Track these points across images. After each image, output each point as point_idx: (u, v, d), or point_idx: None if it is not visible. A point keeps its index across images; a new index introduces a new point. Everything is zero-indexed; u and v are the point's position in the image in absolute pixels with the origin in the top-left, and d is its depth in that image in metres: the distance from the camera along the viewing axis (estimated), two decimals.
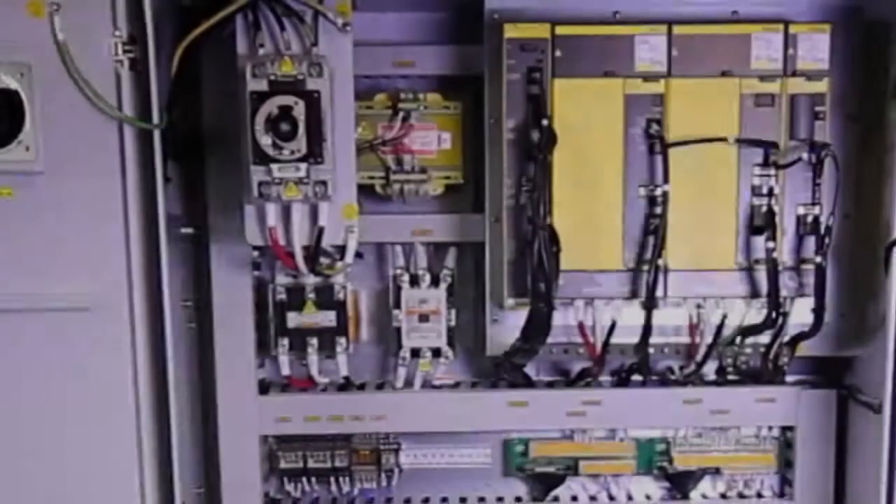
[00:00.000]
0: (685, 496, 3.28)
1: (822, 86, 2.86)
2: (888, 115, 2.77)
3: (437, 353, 3.11)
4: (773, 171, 2.90)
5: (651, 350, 3.05)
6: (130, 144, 2.67)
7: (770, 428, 3.25)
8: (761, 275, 2.95)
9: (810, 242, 2.95)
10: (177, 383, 2.83)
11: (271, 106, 2.62)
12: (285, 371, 3.12)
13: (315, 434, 3.20)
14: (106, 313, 2.72)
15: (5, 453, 2.69)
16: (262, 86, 2.62)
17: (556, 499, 3.31)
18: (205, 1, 2.78)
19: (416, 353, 3.11)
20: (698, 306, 3.02)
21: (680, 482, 3.28)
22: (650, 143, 2.89)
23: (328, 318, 3.07)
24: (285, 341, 3.08)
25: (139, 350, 2.76)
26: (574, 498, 3.32)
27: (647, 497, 3.33)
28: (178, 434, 2.83)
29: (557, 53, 2.85)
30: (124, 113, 2.64)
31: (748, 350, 3.10)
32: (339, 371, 3.12)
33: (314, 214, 2.77)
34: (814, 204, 2.93)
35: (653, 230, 2.91)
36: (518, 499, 3.33)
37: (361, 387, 3.23)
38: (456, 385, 3.26)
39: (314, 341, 3.07)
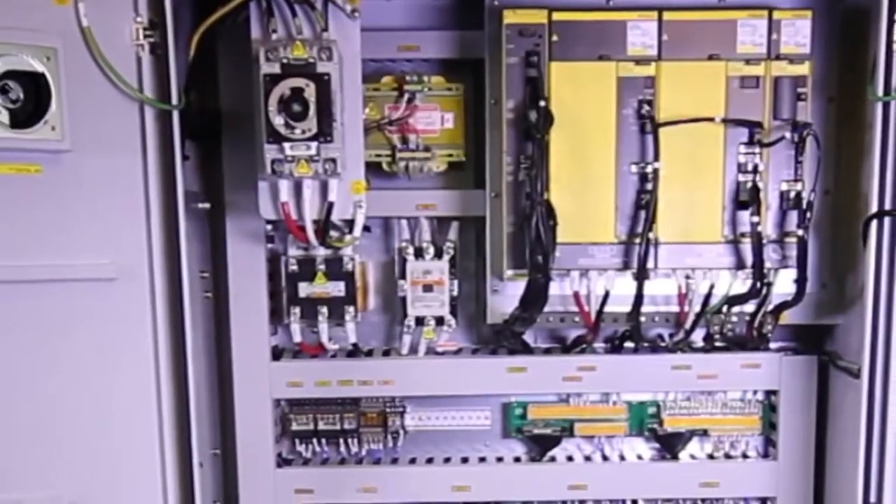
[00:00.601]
0: (674, 456, 3.29)
1: (803, 69, 2.88)
2: (866, 96, 2.75)
3: (440, 321, 3.13)
4: (757, 150, 2.92)
5: (642, 318, 3.07)
6: (151, 124, 2.70)
7: (755, 392, 3.27)
8: (746, 247, 2.97)
9: (793, 217, 2.97)
10: (194, 349, 2.86)
11: (284, 88, 2.64)
12: (297, 338, 3.14)
13: (325, 398, 3.23)
14: (128, 283, 2.75)
15: (33, 415, 2.70)
16: (275, 69, 2.64)
17: (552, 459, 3.31)
18: None
19: (420, 321, 3.13)
20: (687, 277, 3.03)
21: (669, 443, 3.29)
22: (641, 122, 2.91)
23: (337, 289, 3.09)
24: (297, 310, 3.10)
25: (159, 318, 2.79)
26: (569, 458, 3.33)
27: (639, 457, 3.34)
28: (195, 398, 2.86)
29: (554, 38, 2.87)
30: (145, 94, 2.68)
31: (734, 318, 3.12)
32: (347, 338, 3.14)
33: (324, 190, 2.79)
34: (796, 180, 2.95)
35: (644, 205, 2.94)
36: (517, 459, 3.35)
37: (369, 353, 3.26)
38: (458, 351, 3.29)
39: (324, 310, 3.09)
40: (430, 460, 3.35)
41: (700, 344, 3.21)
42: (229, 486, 3.29)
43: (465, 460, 3.35)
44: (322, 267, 3.10)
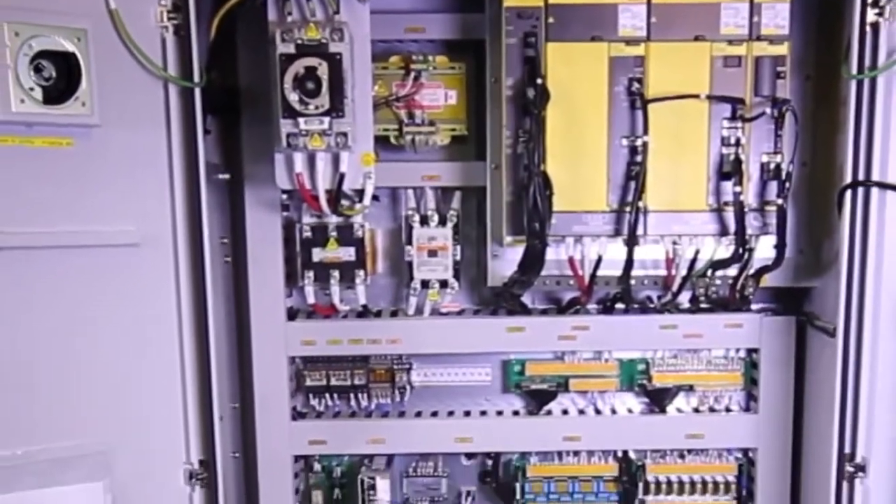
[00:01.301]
0: (662, 410, 3.31)
1: (782, 49, 2.88)
2: (841, 74, 2.78)
3: (444, 284, 3.16)
4: (739, 124, 2.93)
5: (632, 282, 3.09)
6: (174, 101, 2.75)
7: (737, 350, 3.29)
8: (729, 215, 2.98)
9: (773, 187, 2.97)
10: (215, 310, 2.90)
11: (298, 67, 2.66)
12: (310, 300, 3.18)
13: (337, 355, 3.25)
14: (153, 248, 2.80)
15: (63, 371, 2.72)
16: (290, 49, 2.66)
17: (548, 412, 3.33)
18: None
19: (425, 284, 3.16)
20: (674, 243, 3.05)
21: (658, 398, 3.31)
22: (632, 99, 2.92)
23: (348, 254, 3.12)
24: (310, 273, 3.14)
25: (182, 281, 2.84)
26: (565, 411, 3.35)
27: (629, 411, 3.36)
28: (216, 356, 2.90)
29: (550, 20, 2.87)
30: (169, 73, 2.72)
31: (718, 281, 3.14)
32: (357, 300, 3.17)
33: (336, 162, 2.80)
34: (775, 153, 2.96)
35: (634, 176, 2.94)
36: (515, 412, 3.37)
37: (377, 314, 3.28)
38: (461, 312, 3.30)
39: (336, 274, 3.13)
40: (434, 414, 3.36)
41: (686, 305, 3.22)
42: (247, 438, 3.30)
43: (467, 414, 3.36)
44: (334, 233, 3.12)
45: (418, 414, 3.36)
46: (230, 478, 3.20)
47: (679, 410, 3.35)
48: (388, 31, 3.05)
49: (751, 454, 3.32)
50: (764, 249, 3.05)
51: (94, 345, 2.76)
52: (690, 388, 3.33)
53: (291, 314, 3.26)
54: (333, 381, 3.28)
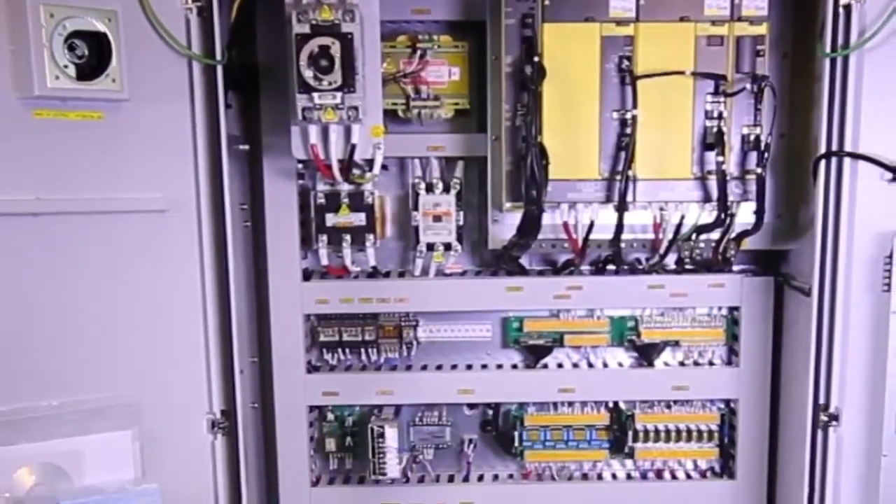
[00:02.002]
0: (650, 364, 3.33)
1: (762, 29, 2.91)
2: (816, 53, 2.82)
3: (448, 247, 3.19)
4: (722, 99, 2.95)
5: (622, 245, 3.11)
6: (198, 77, 2.78)
7: (720, 308, 3.31)
8: (712, 183, 3.00)
9: (752, 157, 3.00)
10: (235, 272, 2.94)
11: (313, 45, 2.70)
12: (324, 262, 3.19)
13: (348, 313, 3.27)
14: (179, 214, 2.82)
15: (96, 328, 2.74)
16: (305, 29, 2.69)
17: (545, 366, 3.35)
18: None
19: (430, 246, 3.19)
20: (661, 209, 3.07)
21: (646, 352, 3.33)
22: (622, 75, 2.95)
23: (359, 219, 3.13)
24: (324, 237, 3.15)
25: (205, 244, 2.87)
26: (560, 365, 3.37)
27: (620, 364, 3.39)
28: (236, 313, 2.94)
29: (546, 2, 2.90)
30: (193, 51, 2.75)
31: (702, 244, 3.16)
32: (368, 261, 3.20)
33: (348, 134, 2.84)
34: (755, 125, 2.99)
35: (624, 146, 2.97)
36: (514, 366, 3.39)
37: (386, 275, 3.30)
38: (463, 273, 3.32)
39: (348, 237, 3.14)
40: (439, 367, 3.38)
41: (672, 266, 3.25)
42: (266, 390, 3.33)
43: (469, 367, 3.38)
44: (346, 200, 3.13)
45: (424, 367, 3.37)
46: (250, 427, 3.21)
47: (666, 364, 3.37)
48: (396, 13, 3.06)
49: (732, 404, 3.34)
50: (744, 215, 3.06)
51: (124, 304, 2.78)
52: (676, 344, 3.35)
53: (306, 275, 3.27)
54: (345, 337, 3.30)
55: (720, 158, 2.98)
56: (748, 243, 3.14)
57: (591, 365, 3.38)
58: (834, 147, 2.79)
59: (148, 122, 2.75)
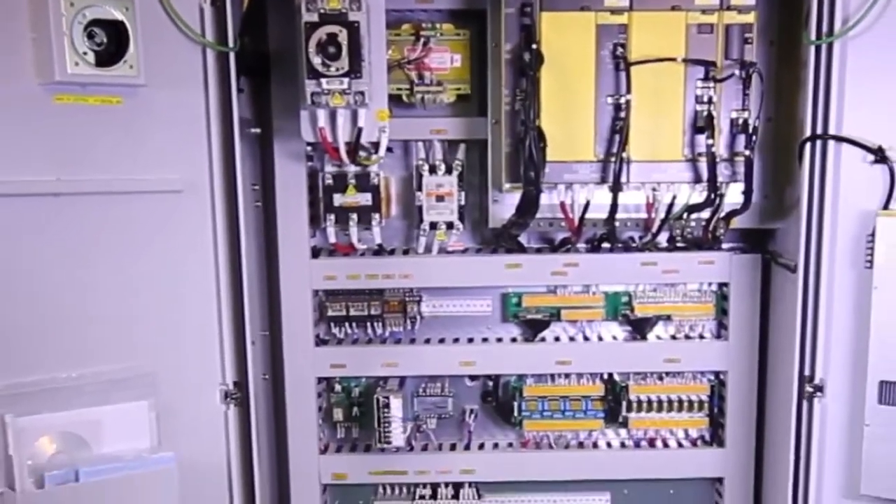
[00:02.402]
0: (643, 337, 3.35)
1: (750, 17, 2.94)
2: (801, 40, 2.83)
3: (450, 225, 3.19)
4: (712, 84, 2.97)
5: (617, 223, 3.12)
6: (211, 64, 2.81)
7: (709, 284, 3.32)
8: (703, 165, 3.02)
9: (741, 140, 3.02)
10: (247, 249, 2.97)
11: (321, 33, 2.73)
12: (332, 240, 3.19)
13: (355, 289, 3.29)
14: (193, 194, 2.86)
15: (115, 302, 2.77)
16: (314, 17, 2.72)
17: (542, 339, 3.36)
18: None
19: (433, 225, 3.19)
20: (653, 189, 3.08)
21: (639, 326, 3.34)
22: (616, 62, 2.96)
23: (365, 199, 3.13)
24: (332, 216, 3.15)
25: (218, 223, 2.91)
26: (557, 338, 3.38)
27: (614, 338, 3.39)
28: (248, 289, 2.97)
29: None
30: (206, 39, 2.79)
31: (692, 223, 3.18)
32: (374, 240, 3.20)
33: (354, 118, 2.87)
34: (743, 110, 3.01)
35: (618, 130, 2.98)
36: (513, 339, 3.39)
37: (391, 252, 3.30)
38: (465, 251, 3.33)
39: (354, 216, 3.14)
40: (441, 340, 3.38)
41: (664, 244, 3.26)
42: (276, 362, 3.35)
43: (470, 340, 3.39)
44: (353, 181, 3.13)
45: (427, 341, 3.38)
46: (261, 397, 3.24)
47: (658, 337, 3.38)
48: (401, 2, 3.10)
49: (721, 376, 3.35)
50: (733, 195, 3.08)
51: (141, 280, 2.81)
52: (668, 318, 3.36)
53: (315, 252, 3.29)
54: (352, 312, 3.32)
55: (710, 141, 3.00)
56: (737, 222, 3.15)
57: (586, 338, 3.40)
58: (819, 130, 2.80)
59: (164, 107, 2.78)
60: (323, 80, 2.76)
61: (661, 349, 3.34)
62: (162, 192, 2.82)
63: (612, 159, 3.02)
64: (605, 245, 3.26)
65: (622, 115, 3.00)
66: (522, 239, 3.27)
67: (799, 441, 2.97)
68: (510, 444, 3.48)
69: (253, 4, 2.89)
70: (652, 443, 3.45)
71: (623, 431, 3.47)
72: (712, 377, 3.40)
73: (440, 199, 3.19)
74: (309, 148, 3.18)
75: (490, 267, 3.28)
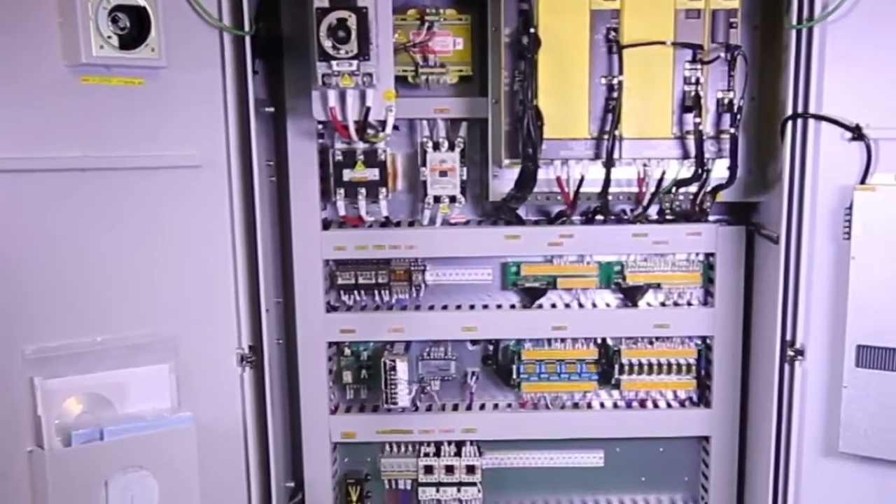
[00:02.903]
0: (634, 304, 3.35)
1: (734, 3, 2.95)
2: (783, 25, 2.85)
3: (453, 199, 3.20)
4: (699, 66, 2.98)
5: (609, 197, 3.14)
6: (228, 46, 2.84)
7: (697, 254, 3.32)
8: (690, 142, 3.03)
9: (726, 118, 3.04)
10: (262, 221, 3.00)
11: (331, 18, 2.74)
12: (342, 212, 3.20)
13: (363, 259, 3.29)
14: (211, 170, 2.89)
15: (138, 270, 2.79)
16: (325, 3, 2.74)
17: (539, 306, 3.37)
18: None
19: (437, 199, 3.20)
20: (644, 165, 3.09)
21: (631, 294, 3.35)
22: (609, 45, 2.97)
23: (373, 174, 3.14)
24: (341, 191, 3.16)
25: (235, 197, 2.94)
26: (553, 305, 3.40)
27: (607, 305, 3.40)
28: (263, 259, 3.01)
29: None
30: (224, 23, 2.82)
31: (681, 197, 3.19)
32: (381, 212, 3.20)
33: (363, 97, 2.87)
34: (729, 90, 3.02)
35: (611, 109, 3.00)
36: (512, 306, 3.40)
37: (397, 224, 3.33)
38: (466, 223, 3.34)
39: (363, 191, 3.15)
40: (444, 307, 3.39)
41: (654, 217, 3.28)
42: (289, 327, 3.36)
43: (472, 307, 3.40)
44: (361, 157, 3.13)
45: (431, 307, 3.39)
46: (275, 361, 3.25)
47: (648, 304, 3.39)
48: None
49: (708, 341, 3.36)
50: (719, 170, 3.10)
51: (162, 250, 2.84)
52: (658, 286, 3.37)
53: (325, 224, 3.30)
54: (361, 280, 3.32)
55: (697, 120, 3.01)
56: (722, 196, 3.17)
57: (581, 305, 3.40)
58: (799, 109, 2.82)
59: (183, 87, 2.80)
60: (333, 63, 2.78)
61: (652, 315, 3.36)
62: (181, 168, 2.84)
63: (606, 137, 3.03)
64: (599, 217, 3.27)
65: (615, 95, 3.00)
66: (521, 212, 3.29)
67: (781, 402, 2.99)
68: (509, 405, 3.50)
69: None
70: (643, 404, 3.47)
71: (615, 393, 3.48)
72: (699, 342, 3.41)
73: (443, 174, 3.19)
74: (320, 126, 3.18)
75: (490, 238, 3.29)
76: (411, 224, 3.35)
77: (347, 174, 3.16)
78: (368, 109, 2.90)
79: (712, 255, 3.30)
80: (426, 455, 3.46)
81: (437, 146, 3.20)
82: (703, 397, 3.45)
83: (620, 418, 3.45)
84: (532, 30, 2.93)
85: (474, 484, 3.46)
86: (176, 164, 2.83)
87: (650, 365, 3.40)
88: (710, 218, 3.28)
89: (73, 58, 2.57)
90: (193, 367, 2.93)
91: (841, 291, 2.82)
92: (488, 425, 3.45)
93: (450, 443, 3.47)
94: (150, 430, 2.80)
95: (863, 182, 2.76)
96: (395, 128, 3.06)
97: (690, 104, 3.03)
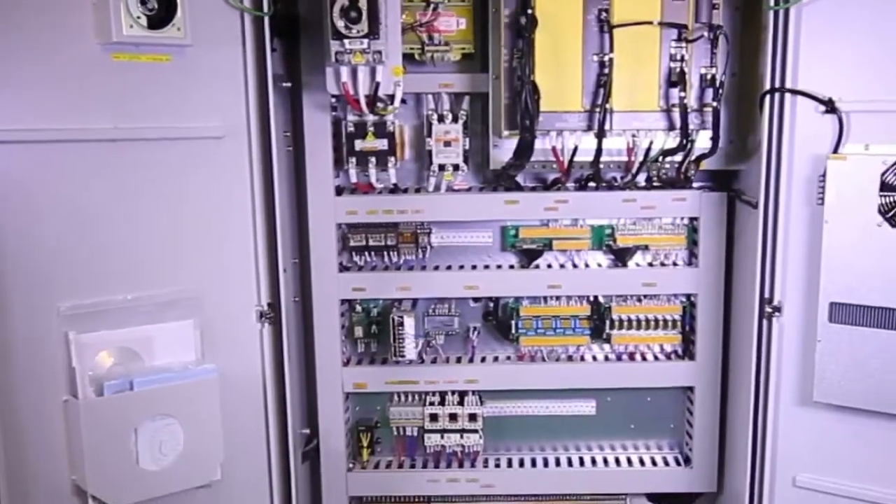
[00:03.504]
0: (624, 264, 3.38)
1: None
2: (762, 5, 2.84)
3: (456, 167, 3.21)
4: (684, 44, 3.01)
5: (601, 165, 3.16)
6: (248, 26, 2.87)
7: (682, 218, 3.35)
8: (676, 114, 3.07)
9: (709, 93, 3.07)
10: (279, 187, 3.02)
11: (344, 0, 2.78)
12: (353, 179, 3.22)
13: (373, 222, 3.32)
14: (233, 140, 2.92)
15: (164, 232, 2.85)
16: None
17: (536, 266, 3.40)
18: None
19: (442, 167, 3.21)
20: (633, 136, 3.12)
21: (620, 255, 3.38)
22: (601, 24, 3.00)
23: (382, 144, 3.15)
24: (353, 159, 3.17)
25: (254, 165, 2.97)
26: (549, 265, 3.41)
27: (599, 265, 3.42)
28: (280, 221, 3.04)
29: None
30: (244, 5, 2.84)
31: (667, 165, 3.22)
32: (389, 179, 3.22)
33: (373, 73, 2.90)
34: (711, 66, 3.06)
35: (602, 84, 3.03)
36: (511, 266, 3.44)
37: (405, 190, 3.34)
38: (469, 189, 3.37)
39: (373, 159, 3.17)
40: (448, 267, 3.43)
41: (643, 184, 3.30)
42: (305, 286, 3.39)
43: (474, 267, 3.43)
44: (371, 128, 3.15)
45: (436, 268, 3.42)
46: (291, 317, 3.28)
47: (637, 265, 3.41)
48: None
49: (692, 298, 3.39)
50: (702, 141, 3.13)
51: (188, 214, 2.89)
52: (646, 248, 3.40)
53: (338, 190, 3.32)
54: (371, 242, 3.35)
55: (682, 94, 3.05)
56: (705, 164, 3.19)
57: (574, 265, 3.43)
58: (777, 84, 2.84)
59: (207, 64, 2.83)
60: (345, 41, 2.80)
61: (640, 275, 3.38)
62: (205, 139, 2.88)
63: (597, 109, 3.06)
64: (591, 184, 3.29)
65: (606, 71, 3.03)
66: (519, 179, 3.31)
67: (759, 355, 3.02)
68: (508, 358, 3.52)
69: None
70: (632, 356, 3.50)
71: (606, 346, 3.51)
72: (684, 299, 3.43)
73: (447, 144, 3.21)
74: (333, 100, 3.20)
75: (491, 203, 3.31)
76: (418, 190, 3.36)
77: (359, 144, 3.18)
78: (378, 84, 2.92)
79: (696, 219, 3.31)
80: (431, 404, 3.50)
81: (441, 118, 3.21)
82: (687, 350, 3.48)
83: (611, 370, 3.47)
84: (529, 11, 2.95)
85: (476, 431, 3.49)
86: (200, 135, 2.87)
87: (638, 321, 3.43)
88: (694, 185, 3.30)
89: (105, 37, 2.61)
90: (216, 322, 2.98)
91: (815, 253, 2.84)
92: (489, 376, 3.47)
93: (453, 393, 3.49)
94: (176, 381, 2.87)
95: (835, 152, 2.77)
96: (403, 101, 3.08)
97: (676, 80, 3.05)
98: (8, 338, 2.64)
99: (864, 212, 2.73)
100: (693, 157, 3.17)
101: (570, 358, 3.50)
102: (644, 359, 3.50)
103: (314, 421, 3.51)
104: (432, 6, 3.14)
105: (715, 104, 3.08)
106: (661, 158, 3.20)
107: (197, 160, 2.88)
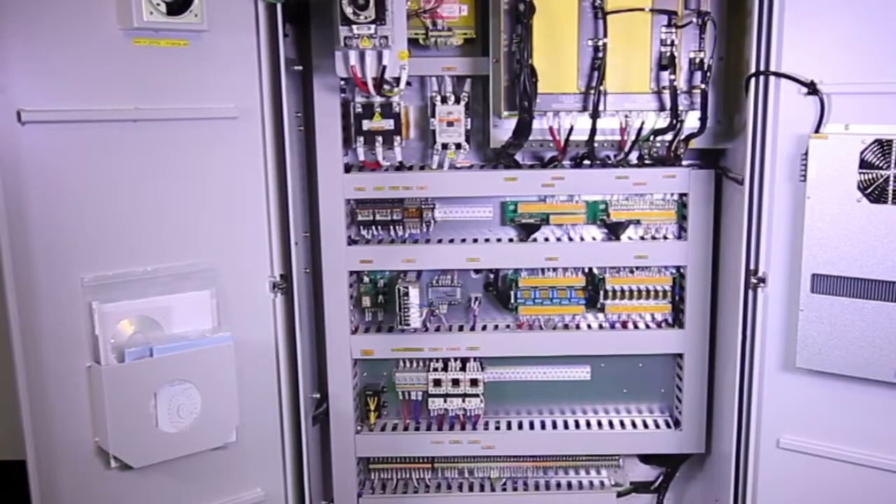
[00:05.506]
0: (617, 238, 3.39)
1: None
2: None
3: (458, 146, 3.22)
4: (674, 30, 3.03)
5: (595, 144, 3.16)
6: (262, 13, 2.88)
7: (672, 194, 3.35)
8: (666, 96, 3.09)
9: (698, 75, 3.09)
10: (291, 164, 3.04)
11: None
12: (361, 158, 3.20)
13: (380, 198, 3.33)
14: (247, 120, 2.94)
15: (181, 208, 2.86)
16: None
17: (534, 240, 3.41)
18: None
19: (445, 146, 3.22)
20: (626, 116, 3.14)
21: (614, 229, 3.39)
22: (595, 11, 3.02)
23: (389, 124, 3.15)
24: (361, 139, 3.16)
25: (268, 144, 2.98)
26: (546, 239, 3.43)
27: (593, 238, 3.43)
28: (292, 197, 3.05)
29: None
30: None
31: (658, 144, 3.23)
32: (395, 158, 3.20)
33: (380, 57, 2.89)
34: (700, 51, 3.07)
35: (597, 67, 3.05)
36: (510, 239, 3.44)
37: (410, 168, 3.34)
38: (470, 167, 3.37)
39: (379, 139, 3.16)
40: (451, 240, 3.43)
41: (635, 161, 3.30)
42: (315, 258, 3.39)
43: (475, 241, 3.43)
44: (378, 109, 3.14)
45: (440, 241, 3.42)
46: (303, 287, 3.31)
47: (629, 238, 3.42)
48: None
49: (682, 270, 3.40)
50: (691, 121, 3.14)
51: (204, 190, 2.90)
52: (638, 222, 3.40)
53: (347, 168, 3.32)
54: (378, 217, 3.36)
55: (672, 77, 3.07)
56: (694, 143, 3.20)
57: (570, 239, 3.44)
58: (762, 67, 2.85)
59: (223, 49, 2.84)
60: (354, 27, 2.80)
61: (632, 248, 3.39)
62: (221, 119, 2.89)
63: (592, 91, 3.07)
64: (586, 162, 3.29)
65: (600, 55, 3.05)
66: (518, 157, 3.31)
67: (745, 323, 3.04)
68: (508, 326, 3.53)
69: None
70: (624, 325, 3.51)
71: (601, 315, 3.52)
72: (674, 271, 3.45)
73: (450, 124, 3.21)
74: (342, 82, 3.20)
75: (491, 180, 3.32)
76: (422, 168, 3.37)
77: (366, 124, 3.17)
78: (384, 67, 2.91)
79: (685, 195, 3.32)
80: (435, 370, 3.51)
81: (444, 100, 3.23)
82: (677, 319, 3.49)
83: (605, 338, 3.48)
84: None
85: (477, 395, 3.52)
86: (216, 115, 2.88)
87: (631, 291, 3.45)
88: (684, 162, 3.31)
89: (127, 22, 2.63)
90: (231, 292, 3.00)
91: (797, 227, 2.85)
92: (489, 344, 3.48)
93: (456, 359, 3.51)
94: (193, 348, 2.90)
95: (817, 131, 2.79)
96: (408, 84, 3.11)
97: (666, 63, 3.07)
98: (35, 307, 2.66)
99: (844, 188, 2.74)
100: (682, 137, 3.18)
101: (566, 326, 3.51)
102: (636, 327, 3.50)
103: (324, 386, 3.51)
104: None
105: (703, 86, 3.09)
106: (652, 138, 3.20)
107: (213, 140, 2.89)
